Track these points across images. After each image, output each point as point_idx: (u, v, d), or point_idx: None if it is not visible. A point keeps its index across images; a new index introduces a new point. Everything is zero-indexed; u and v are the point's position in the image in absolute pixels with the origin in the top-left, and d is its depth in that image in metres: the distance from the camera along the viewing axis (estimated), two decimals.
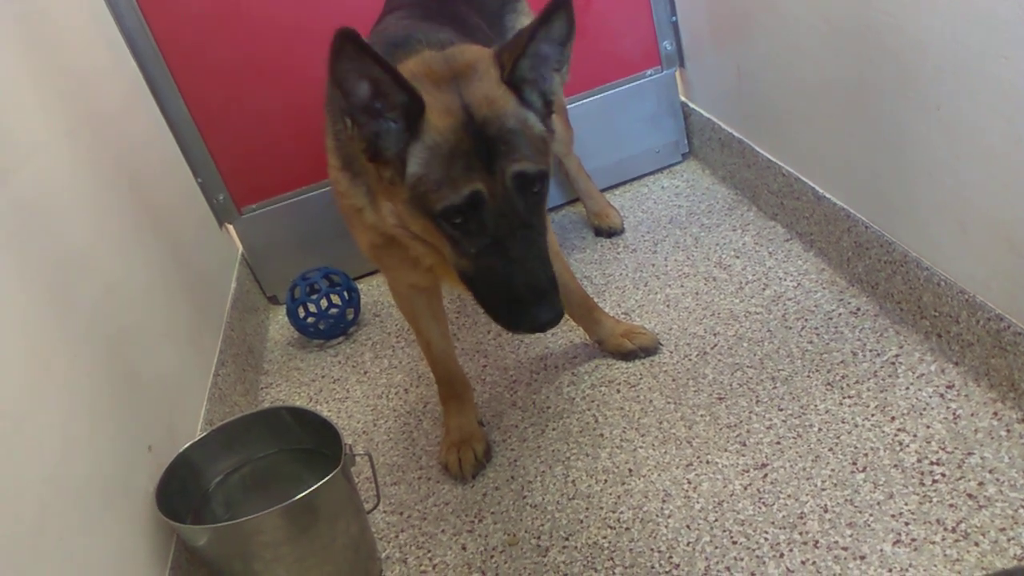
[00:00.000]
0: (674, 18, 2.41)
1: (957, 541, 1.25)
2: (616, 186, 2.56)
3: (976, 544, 1.24)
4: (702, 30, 2.30)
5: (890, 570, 1.25)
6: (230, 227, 2.41)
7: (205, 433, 1.55)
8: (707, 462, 1.53)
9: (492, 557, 1.49)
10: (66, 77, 1.68)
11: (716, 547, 1.37)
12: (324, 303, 2.23)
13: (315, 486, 1.30)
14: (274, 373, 2.21)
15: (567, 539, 1.47)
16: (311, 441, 1.54)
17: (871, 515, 1.34)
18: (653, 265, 2.15)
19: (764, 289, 1.92)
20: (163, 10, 2.10)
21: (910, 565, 1.24)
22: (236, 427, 1.56)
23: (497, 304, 1.27)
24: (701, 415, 1.63)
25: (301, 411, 1.55)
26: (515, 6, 1.98)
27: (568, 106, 2.23)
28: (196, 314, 1.94)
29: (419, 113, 1.21)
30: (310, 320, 2.23)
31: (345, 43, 1.10)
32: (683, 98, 2.53)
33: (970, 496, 1.31)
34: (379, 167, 1.27)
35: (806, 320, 1.79)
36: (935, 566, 1.23)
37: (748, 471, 1.48)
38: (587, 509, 1.51)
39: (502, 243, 1.22)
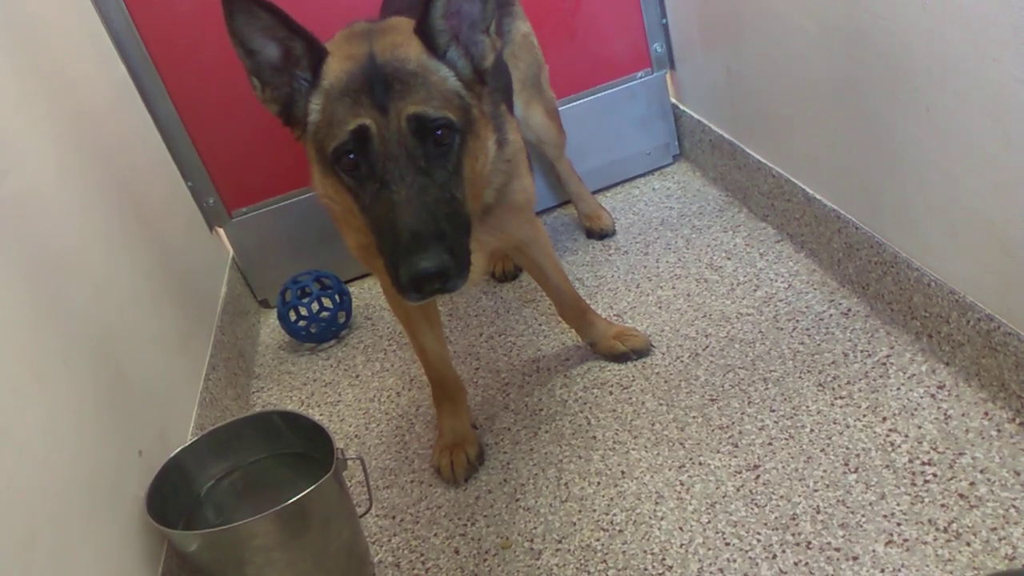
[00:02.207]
0: (664, 20, 2.41)
1: (949, 541, 1.26)
2: (607, 188, 2.56)
3: (968, 544, 1.25)
4: (692, 32, 2.31)
5: (882, 571, 1.25)
6: (220, 230, 2.40)
7: (196, 438, 1.54)
8: (699, 464, 1.53)
9: (485, 560, 1.48)
10: (54, 81, 1.67)
11: (709, 548, 1.37)
12: (315, 306, 2.23)
13: (307, 490, 1.29)
14: (265, 377, 2.20)
15: (560, 542, 1.47)
16: (303, 445, 1.53)
17: (863, 516, 1.34)
18: (645, 267, 2.15)
19: (755, 290, 1.93)
20: (151, 12, 2.09)
21: (902, 565, 1.25)
22: (227, 432, 1.55)
23: (387, 259, 1.21)
24: (693, 417, 1.64)
25: (292, 415, 1.55)
26: (510, 9, 1.99)
27: (559, 108, 2.23)
28: (186, 318, 1.93)
29: (320, 60, 1.23)
30: (301, 324, 2.23)
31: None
32: (674, 100, 2.54)
33: (961, 496, 1.32)
34: (294, 130, 1.28)
35: (797, 321, 1.79)
36: (927, 566, 1.23)
37: (740, 472, 1.49)
38: (580, 512, 1.51)
39: (389, 186, 1.18)
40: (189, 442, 1.53)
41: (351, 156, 1.20)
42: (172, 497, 1.44)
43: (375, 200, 1.20)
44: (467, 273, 1.23)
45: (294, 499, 1.28)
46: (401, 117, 1.19)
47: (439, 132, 1.21)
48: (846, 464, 1.44)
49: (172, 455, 1.47)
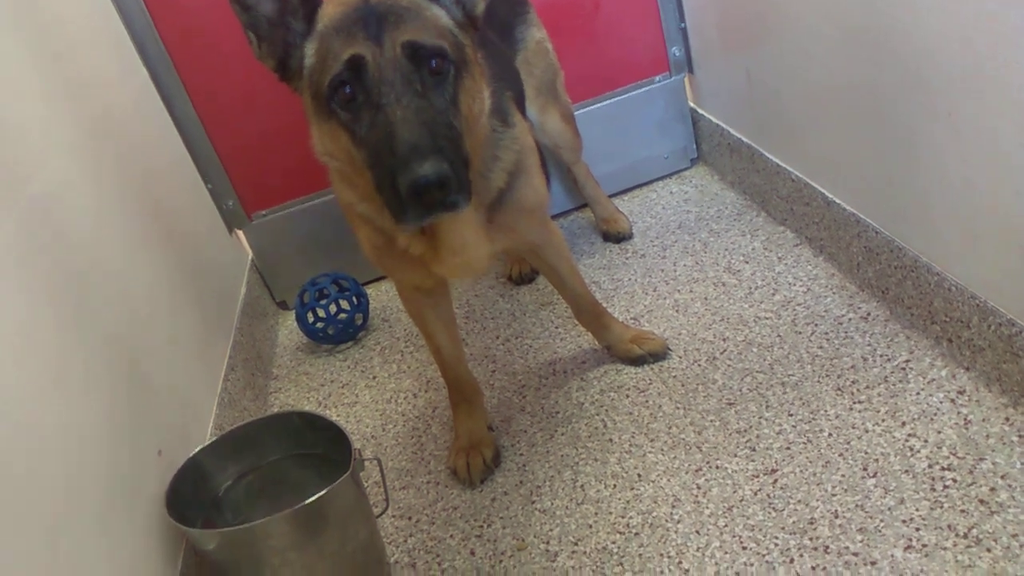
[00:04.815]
0: (683, 24, 2.41)
1: (969, 547, 1.25)
2: (625, 191, 2.56)
3: (988, 550, 1.23)
4: (711, 36, 2.30)
5: None
6: (240, 233, 2.42)
7: (215, 438, 1.55)
8: (717, 467, 1.52)
9: (501, 562, 1.48)
10: (76, 83, 1.69)
11: (726, 552, 1.36)
12: (333, 308, 2.24)
13: (324, 491, 1.30)
14: (283, 378, 2.22)
15: (576, 544, 1.47)
16: (321, 446, 1.54)
17: (882, 520, 1.33)
18: (662, 270, 2.14)
19: (774, 294, 1.92)
20: (173, 16, 2.12)
21: (921, 571, 1.23)
22: (246, 432, 1.56)
23: (384, 180, 1.19)
24: (710, 420, 1.63)
25: (311, 416, 1.56)
26: (525, 17, 2.00)
27: (576, 112, 2.24)
28: (206, 319, 1.95)
29: (314, 9, 1.26)
30: (319, 325, 2.24)
31: None
32: (692, 104, 2.54)
33: (982, 502, 1.30)
34: (291, 83, 1.30)
35: (816, 325, 1.78)
36: (947, 572, 1.22)
37: (758, 476, 1.48)
38: (596, 514, 1.51)
39: (385, 109, 1.17)
40: (208, 442, 1.54)
41: (347, 90, 1.20)
42: (191, 496, 1.45)
43: (372, 127, 1.19)
44: (468, 195, 1.21)
45: (311, 499, 1.29)
46: (396, 45, 1.20)
47: (433, 62, 1.21)
48: (865, 469, 1.43)
49: (191, 455, 1.49)
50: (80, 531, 1.14)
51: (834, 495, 1.40)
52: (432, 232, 1.39)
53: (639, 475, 1.56)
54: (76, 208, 1.50)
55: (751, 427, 1.58)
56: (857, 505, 1.37)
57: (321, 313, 2.24)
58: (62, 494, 1.13)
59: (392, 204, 1.20)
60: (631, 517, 1.48)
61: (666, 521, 1.45)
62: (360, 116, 1.21)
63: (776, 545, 1.35)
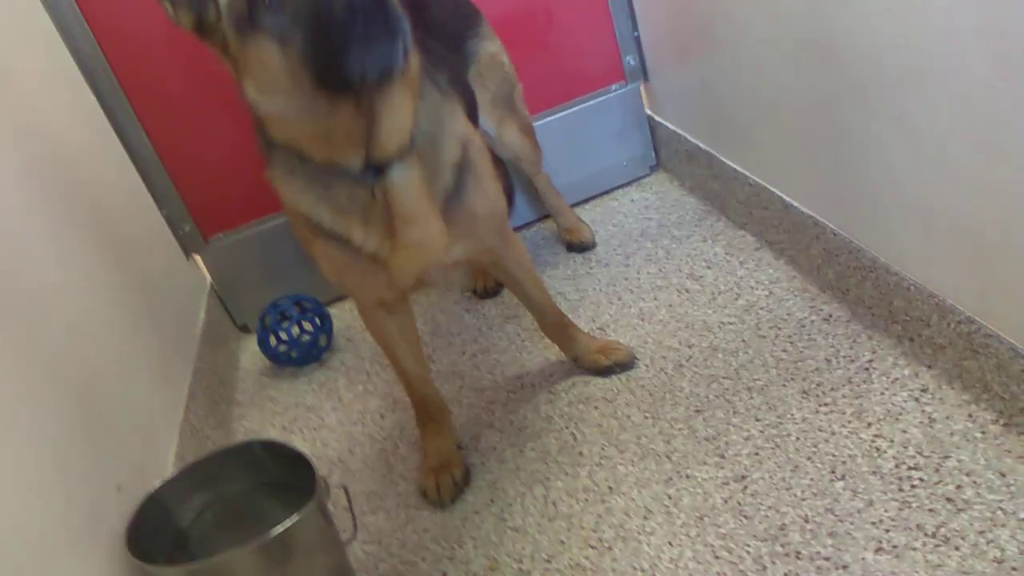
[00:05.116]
0: (636, 33, 2.42)
1: (938, 546, 1.25)
2: (585, 201, 2.55)
3: (956, 548, 1.24)
4: (665, 44, 2.31)
5: None
6: (197, 257, 2.38)
7: (177, 471, 1.51)
8: (687, 476, 1.52)
9: None
10: (23, 113, 1.64)
11: (699, 563, 1.36)
12: (295, 330, 2.21)
13: (287, 522, 1.27)
14: (247, 404, 2.17)
15: (549, 561, 1.45)
16: (286, 474, 1.50)
17: (852, 523, 1.33)
18: (626, 279, 2.14)
19: (737, 299, 1.93)
20: (121, 42, 2.07)
21: (892, 572, 1.24)
22: (209, 463, 1.52)
23: (317, 50, 1.15)
24: (679, 428, 1.63)
25: (274, 445, 1.52)
26: (477, 31, 1.98)
27: (534, 124, 2.23)
28: (165, 348, 1.90)
29: None
30: (282, 348, 2.20)
31: None
32: (649, 111, 2.54)
33: (949, 500, 1.31)
34: (213, 38, 1.26)
35: (779, 328, 1.79)
36: (917, 572, 1.23)
37: (728, 483, 1.48)
38: (568, 529, 1.50)
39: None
40: (170, 475, 1.50)
41: None
42: (154, 532, 1.41)
43: (298, 11, 1.15)
44: (407, 33, 1.18)
45: (275, 531, 1.26)
46: None
47: None
48: (833, 472, 1.43)
49: (153, 490, 1.45)
50: (36, 573, 1.10)
51: (804, 499, 1.40)
52: (385, 215, 1.36)
53: (610, 488, 1.55)
54: (24, 241, 1.45)
55: (719, 434, 1.58)
56: (827, 509, 1.37)
57: (283, 336, 2.20)
58: (16, 534, 1.09)
59: (329, 64, 1.16)
60: (603, 531, 1.47)
61: (638, 534, 1.44)
62: (285, 9, 1.16)
63: (748, 553, 1.35)
